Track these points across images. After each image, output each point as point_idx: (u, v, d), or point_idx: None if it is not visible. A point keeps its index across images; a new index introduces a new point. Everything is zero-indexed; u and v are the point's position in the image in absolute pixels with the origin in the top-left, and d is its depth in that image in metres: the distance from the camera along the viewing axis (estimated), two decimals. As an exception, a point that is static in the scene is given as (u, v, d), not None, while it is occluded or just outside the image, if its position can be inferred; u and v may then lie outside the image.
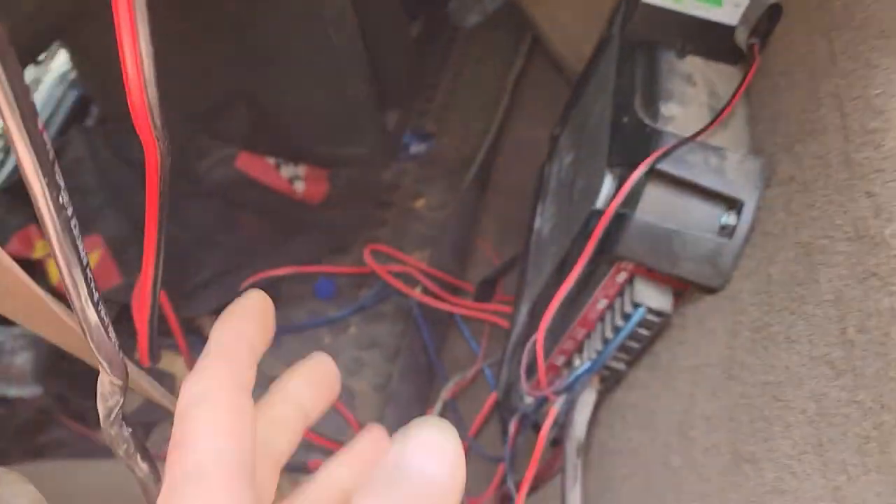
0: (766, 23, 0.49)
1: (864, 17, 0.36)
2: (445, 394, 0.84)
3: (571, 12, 1.13)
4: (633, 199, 0.45)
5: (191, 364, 0.91)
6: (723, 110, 0.46)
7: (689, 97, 0.49)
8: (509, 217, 1.10)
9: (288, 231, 1.07)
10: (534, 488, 0.67)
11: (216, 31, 1.06)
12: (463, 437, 0.82)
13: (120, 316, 0.95)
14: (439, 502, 0.17)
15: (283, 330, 1.02)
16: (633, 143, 0.48)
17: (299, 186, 1.05)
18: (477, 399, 0.88)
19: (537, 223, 0.75)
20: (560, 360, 0.57)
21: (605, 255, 0.47)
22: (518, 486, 0.66)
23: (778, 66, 0.46)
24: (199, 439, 0.19)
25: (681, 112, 0.48)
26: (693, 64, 0.52)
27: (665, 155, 0.44)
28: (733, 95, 0.47)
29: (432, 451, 0.17)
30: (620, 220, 0.46)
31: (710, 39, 0.52)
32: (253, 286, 0.96)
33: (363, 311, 1.01)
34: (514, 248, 1.02)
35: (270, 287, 1.04)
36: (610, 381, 0.55)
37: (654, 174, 0.45)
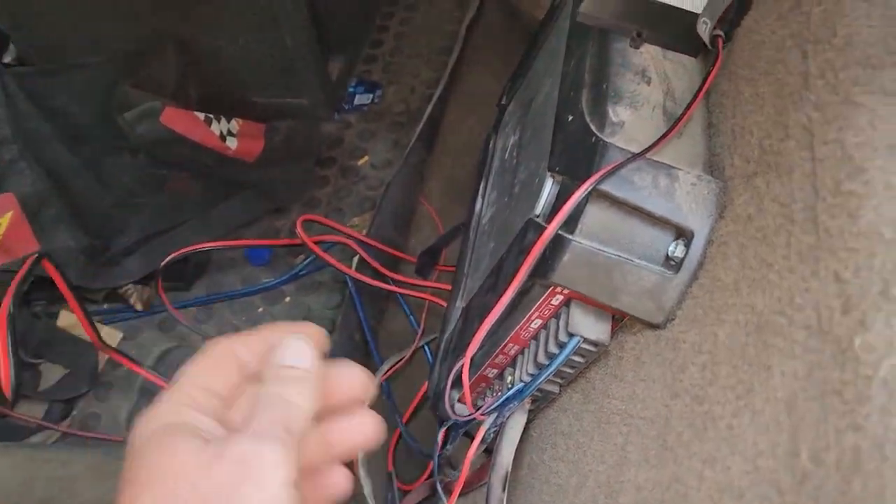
0: (734, 12, 0.43)
1: (847, 34, 0.30)
2: (380, 376, 0.80)
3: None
4: (573, 220, 0.40)
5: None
6: (676, 122, 0.40)
7: (641, 98, 0.43)
8: (455, 178, 1.04)
9: (220, 191, 0.99)
10: (462, 493, 0.64)
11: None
12: (396, 423, 0.78)
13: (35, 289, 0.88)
14: (307, 380, 0.31)
15: (215, 297, 0.96)
16: (576, 153, 0.42)
17: (232, 143, 0.96)
18: (413, 379, 0.84)
19: (479, 205, 0.69)
20: (492, 373, 0.53)
21: (540, 279, 0.42)
22: (445, 486, 0.63)
23: (743, 70, 0.40)
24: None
25: (631, 118, 0.42)
26: (649, 55, 0.45)
27: (610, 173, 0.38)
28: (690, 103, 0.41)
29: (299, 352, 0.32)
30: (557, 242, 0.40)
31: (670, 26, 0.45)
32: (180, 256, 0.90)
33: (298, 279, 0.94)
34: (459, 211, 0.96)
35: (201, 252, 0.97)
36: (542, 402, 0.51)
37: (596, 193, 0.39)
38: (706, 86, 0.42)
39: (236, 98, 1.10)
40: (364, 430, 0.34)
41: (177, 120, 0.93)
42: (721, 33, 0.43)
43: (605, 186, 0.38)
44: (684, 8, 0.45)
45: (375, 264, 0.86)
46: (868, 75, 0.28)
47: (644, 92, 0.43)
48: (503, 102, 0.75)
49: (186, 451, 0.27)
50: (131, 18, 1.01)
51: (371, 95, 1.15)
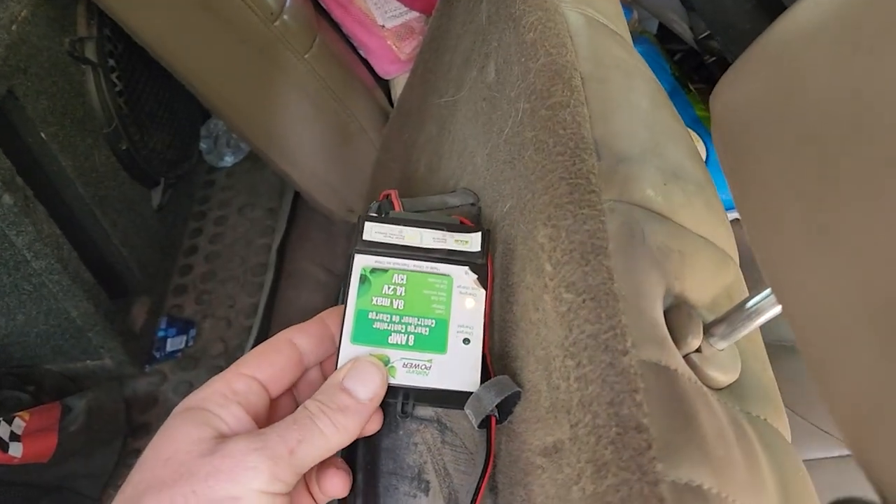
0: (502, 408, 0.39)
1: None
2: None
3: (332, 169, 1.01)
4: None
5: None
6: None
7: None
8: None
9: (17, 502, 0.85)
10: None
11: None
12: None
13: None
14: (357, 413, 0.31)
15: None
16: None
17: (16, 450, 0.83)
18: None
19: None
20: None
21: None
22: None
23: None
24: None
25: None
26: (425, 446, 0.40)
27: None
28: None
29: (363, 378, 0.31)
30: None
31: (438, 396, 0.40)
32: None
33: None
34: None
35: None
36: None
37: None
38: (479, 497, 0.37)
39: (27, 371, 0.98)
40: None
41: (-58, 442, 0.79)
42: (495, 412, 0.39)
43: None
44: (457, 389, 0.40)
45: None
46: None
47: (421, 508, 0.38)
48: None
49: (186, 438, 0.28)
50: None
51: (185, 337, 1.05)
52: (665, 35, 0.87)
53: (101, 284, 0.93)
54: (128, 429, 0.94)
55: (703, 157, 0.45)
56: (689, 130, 0.45)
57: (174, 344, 1.04)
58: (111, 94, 0.89)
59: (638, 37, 0.86)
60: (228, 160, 1.29)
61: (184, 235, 1.20)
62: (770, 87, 0.25)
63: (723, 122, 0.27)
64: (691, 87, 0.82)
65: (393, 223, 0.39)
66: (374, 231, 0.39)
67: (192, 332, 1.05)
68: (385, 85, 1.03)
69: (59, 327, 0.93)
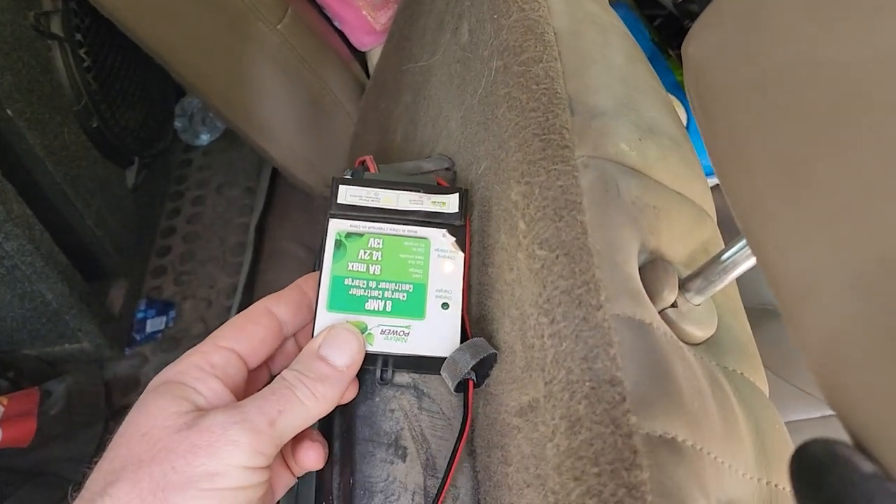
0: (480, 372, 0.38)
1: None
2: None
3: (310, 144, 1.00)
4: None
5: None
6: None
7: (397, 487, 0.37)
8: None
9: (-5, 492, 0.84)
10: None
11: None
12: None
13: None
14: (336, 381, 0.30)
15: None
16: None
17: (-6, 434, 0.82)
18: None
19: None
20: None
21: None
22: None
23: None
24: None
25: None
26: (402, 412, 0.39)
27: None
28: (440, 487, 0.36)
29: (339, 346, 0.31)
30: None
31: (417, 362, 0.40)
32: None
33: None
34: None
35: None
36: None
37: None
38: (456, 459, 0.36)
39: (5, 356, 0.96)
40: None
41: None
42: (472, 376, 0.38)
43: None
44: (437, 355, 0.39)
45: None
46: None
47: (399, 474, 0.37)
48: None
49: (163, 412, 0.27)
50: None
51: (164, 318, 1.04)
52: (644, 0, 0.85)
53: (76, 266, 0.91)
54: (108, 412, 0.93)
55: (684, 123, 0.44)
56: (670, 96, 0.44)
57: (154, 325, 1.02)
58: (79, 69, 0.87)
59: (616, 2, 0.85)
60: (204, 139, 1.27)
61: (161, 216, 1.18)
62: (738, 31, 0.24)
63: (694, 66, 0.27)
64: (671, 53, 0.82)
65: (368, 185, 0.38)
66: (348, 194, 0.38)
67: (172, 314, 1.04)
68: (362, 59, 1.02)
69: (35, 311, 0.91)
